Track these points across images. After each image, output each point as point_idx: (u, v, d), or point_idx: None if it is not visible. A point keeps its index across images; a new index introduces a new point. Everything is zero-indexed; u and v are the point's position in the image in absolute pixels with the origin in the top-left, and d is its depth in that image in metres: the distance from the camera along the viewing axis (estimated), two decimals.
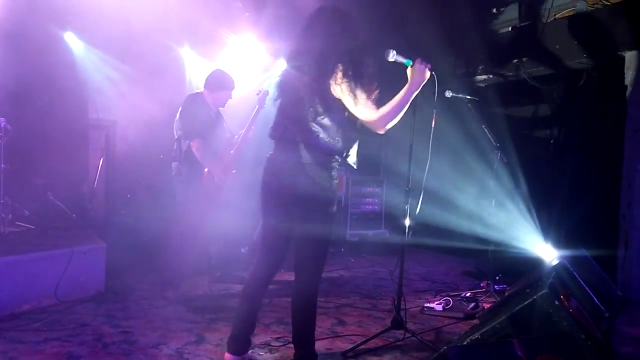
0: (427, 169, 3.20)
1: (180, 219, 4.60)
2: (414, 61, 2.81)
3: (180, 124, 4.56)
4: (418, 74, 2.77)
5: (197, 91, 4.80)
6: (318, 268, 2.90)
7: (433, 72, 2.87)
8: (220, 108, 4.83)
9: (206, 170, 4.54)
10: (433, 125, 3.14)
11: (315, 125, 2.74)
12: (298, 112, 2.77)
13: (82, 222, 5.57)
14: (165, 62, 6.66)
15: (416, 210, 3.30)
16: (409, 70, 2.82)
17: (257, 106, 4.82)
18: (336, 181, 2.87)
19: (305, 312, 2.90)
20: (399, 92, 2.75)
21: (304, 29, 2.84)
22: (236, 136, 4.84)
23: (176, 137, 4.63)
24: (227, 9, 6.63)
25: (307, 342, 2.93)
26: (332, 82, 2.69)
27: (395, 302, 3.57)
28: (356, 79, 2.68)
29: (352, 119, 2.81)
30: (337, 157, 2.83)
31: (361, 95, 2.69)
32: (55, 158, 5.85)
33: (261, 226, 3.04)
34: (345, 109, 2.75)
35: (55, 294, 4.10)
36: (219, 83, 4.71)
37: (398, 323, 3.51)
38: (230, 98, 4.82)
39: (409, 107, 2.77)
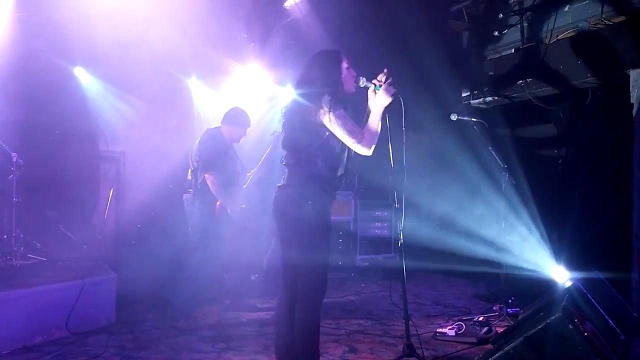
0: (404, 183, 3.35)
1: (194, 249, 4.63)
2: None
3: (198, 157, 4.67)
4: (383, 97, 3.05)
5: (215, 126, 4.91)
6: (316, 295, 2.98)
7: (399, 96, 3.13)
8: (235, 144, 4.93)
9: (218, 203, 4.62)
10: (404, 141, 3.28)
11: (315, 152, 2.97)
12: (300, 139, 3.01)
13: (93, 253, 5.58)
14: (173, 93, 6.76)
15: (400, 225, 3.37)
16: (372, 93, 3.11)
17: (270, 146, 4.90)
18: (330, 207, 3.05)
19: (305, 340, 2.94)
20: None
21: (306, 65, 3.16)
22: (248, 174, 4.92)
23: (192, 168, 4.73)
24: (233, 40, 6.75)
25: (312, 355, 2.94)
26: (322, 111, 2.93)
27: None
28: (339, 108, 2.93)
29: (343, 146, 3.05)
30: (333, 182, 3.05)
31: (347, 122, 2.94)
32: (66, 190, 5.92)
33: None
34: (334, 137, 2.99)
35: (67, 325, 4.11)
36: (236, 119, 4.84)
37: (410, 350, 3.45)
38: (245, 135, 4.92)
39: (383, 132, 3.13)
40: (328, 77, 3.03)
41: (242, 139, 4.92)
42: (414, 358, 3.47)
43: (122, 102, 6.60)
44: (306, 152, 2.99)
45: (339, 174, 3.08)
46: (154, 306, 5.04)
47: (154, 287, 5.37)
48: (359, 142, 2.94)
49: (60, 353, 3.74)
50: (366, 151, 2.99)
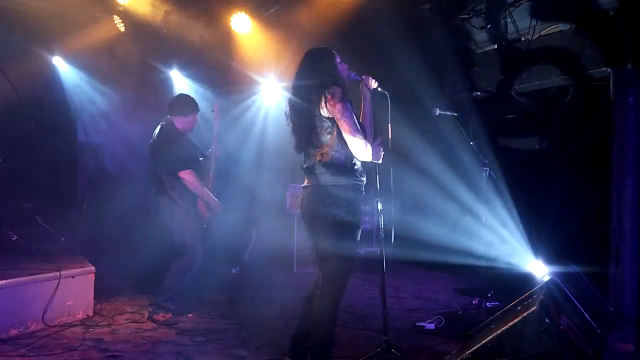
0: (391, 178, 3.34)
1: (183, 250, 4.40)
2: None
3: (168, 157, 4.37)
4: (366, 88, 3.30)
5: (165, 120, 4.57)
6: (334, 286, 3.04)
7: (386, 91, 3.30)
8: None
9: (200, 200, 4.49)
10: (390, 137, 3.31)
11: (328, 148, 2.97)
12: (312, 138, 3.01)
13: (71, 245, 5.50)
14: (154, 84, 6.67)
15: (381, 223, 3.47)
16: (364, 88, 3.32)
17: (216, 124, 4.81)
18: (353, 199, 3.04)
19: (318, 322, 3.04)
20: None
21: (301, 62, 3.18)
22: (202, 158, 4.69)
23: (163, 174, 4.40)
24: (216, 31, 6.68)
25: (319, 339, 3.04)
26: (325, 105, 2.94)
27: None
28: (347, 101, 2.96)
29: None
30: (354, 173, 3.05)
31: (353, 116, 2.96)
32: (43, 181, 5.82)
33: None
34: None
35: (43, 318, 4.05)
36: (186, 108, 4.59)
37: (387, 345, 3.47)
38: (197, 121, 4.70)
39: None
40: (328, 69, 3.08)
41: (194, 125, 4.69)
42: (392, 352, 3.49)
43: (101, 92, 6.51)
44: (319, 149, 2.99)
45: (356, 163, 3.07)
46: (133, 299, 4.99)
47: (132, 280, 5.33)
48: (364, 138, 2.93)
49: (35, 346, 3.69)
50: (366, 153, 2.96)
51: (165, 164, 4.39)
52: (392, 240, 3.58)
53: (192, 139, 4.68)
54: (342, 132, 2.93)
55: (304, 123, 3.02)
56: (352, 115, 2.94)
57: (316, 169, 3.01)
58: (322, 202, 2.98)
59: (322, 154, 2.98)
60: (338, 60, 3.18)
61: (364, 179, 3.12)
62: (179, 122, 4.54)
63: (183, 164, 4.35)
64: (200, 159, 4.64)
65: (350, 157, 3.00)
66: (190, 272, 4.45)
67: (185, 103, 4.62)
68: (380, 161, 3.17)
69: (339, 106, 2.90)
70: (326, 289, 3.03)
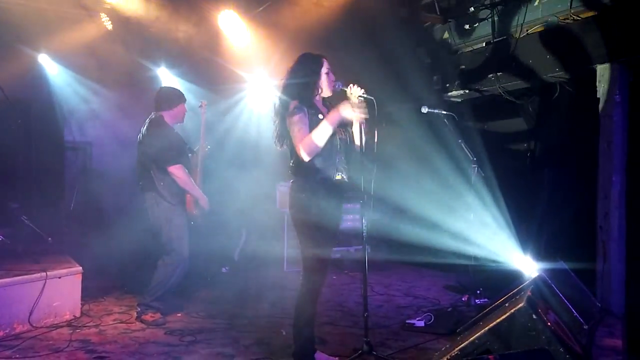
0: (372, 179, 3.42)
1: (170, 247, 4.34)
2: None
3: (157, 152, 4.30)
4: (346, 111, 3.26)
5: (153, 114, 4.48)
6: (308, 284, 3.25)
7: (372, 98, 3.32)
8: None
9: (188, 195, 4.44)
10: (376, 141, 3.40)
11: (292, 154, 3.22)
12: (289, 142, 3.25)
13: (58, 246, 5.45)
14: (142, 82, 6.62)
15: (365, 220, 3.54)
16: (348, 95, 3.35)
17: (202, 120, 4.79)
18: (309, 199, 3.20)
19: (297, 310, 3.28)
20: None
21: (289, 68, 3.34)
22: (191, 154, 4.67)
23: (151, 169, 4.33)
24: (204, 29, 6.65)
25: (298, 334, 3.28)
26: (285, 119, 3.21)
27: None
28: (298, 113, 3.14)
29: (331, 148, 3.25)
30: (319, 180, 3.23)
31: (295, 127, 3.12)
32: (30, 181, 5.76)
33: None
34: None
35: (29, 319, 4.01)
36: (173, 101, 4.51)
37: (368, 347, 3.47)
38: (186, 111, 4.63)
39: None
40: (306, 79, 3.24)
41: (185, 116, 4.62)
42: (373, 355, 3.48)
43: (88, 91, 6.46)
44: (295, 153, 3.20)
45: (315, 166, 3.20)
46: (120, 299, 4.95)
47: (120, 280, 5.28)
48: (296, 146, 3.12)
49: (21, 347, 3.65)
50: (303, 156, 3.12)
51: (154, 158, 4.32)
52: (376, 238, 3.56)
53: (180, 133, 4.62)
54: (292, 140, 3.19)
55: (282, 130, 3.27)
56: (298, 123, 3.11)
57: (291, 171, 3.32)
58: (290, 202, 3.29)
59: (295, 159, 3.24)
60: (325, 70, 3.31)
61: (337, 177, 3.29)
62: (168, 116, 4.46)
63: (172, 159, 4.29)
64: (190, 155, 4.61)
65: (317, 166, 3.20)
66: (177, 270, 4.40)
67: (170, 95, 4.54)
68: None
69: (288, 119, 3.16)
70: (302, 285, 3.26)
